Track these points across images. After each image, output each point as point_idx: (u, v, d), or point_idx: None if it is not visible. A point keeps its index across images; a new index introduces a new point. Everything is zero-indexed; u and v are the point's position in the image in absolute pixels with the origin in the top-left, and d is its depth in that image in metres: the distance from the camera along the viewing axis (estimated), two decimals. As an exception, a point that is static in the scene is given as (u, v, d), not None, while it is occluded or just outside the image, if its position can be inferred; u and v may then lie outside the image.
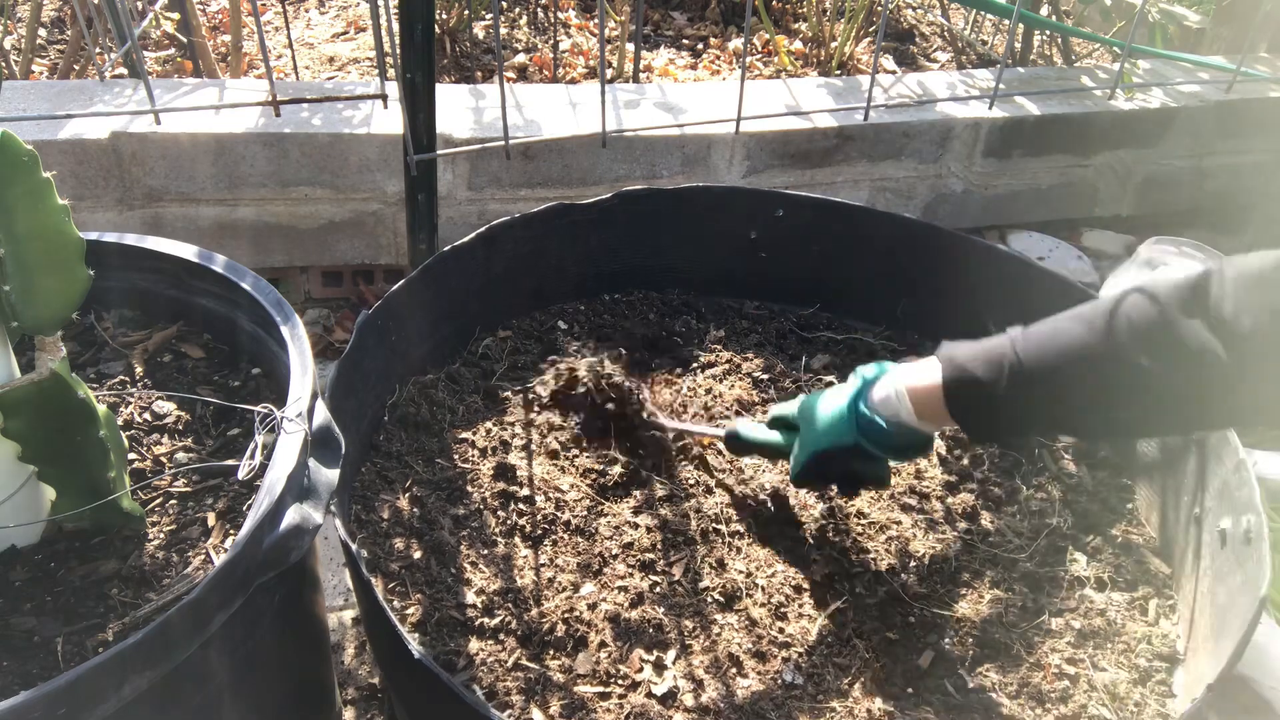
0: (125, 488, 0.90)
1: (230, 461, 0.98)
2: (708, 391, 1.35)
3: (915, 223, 1.55)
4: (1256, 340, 0.74)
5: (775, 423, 1.15)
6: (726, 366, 1.41)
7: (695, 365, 1.42)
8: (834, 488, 1.15)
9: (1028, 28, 2.76)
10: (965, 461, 1.28)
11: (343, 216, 1.97)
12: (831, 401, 1.03)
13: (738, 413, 1.32)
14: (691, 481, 1.21)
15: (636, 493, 1.18)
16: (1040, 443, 1.31)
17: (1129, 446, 1.29)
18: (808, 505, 1.18)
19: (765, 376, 1.39)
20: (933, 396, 0.93)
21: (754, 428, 1.17)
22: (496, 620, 1.03)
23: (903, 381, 0.96)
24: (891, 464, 1.05)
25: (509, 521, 1.14)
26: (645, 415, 1.24)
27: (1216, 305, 0.77)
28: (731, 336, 1.49)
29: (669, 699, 0.97)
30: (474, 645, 1.01)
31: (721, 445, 1.22)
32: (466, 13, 2.77)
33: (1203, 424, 0.99)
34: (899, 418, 0.96)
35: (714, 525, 1.15)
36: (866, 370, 1.03)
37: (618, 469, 1.20)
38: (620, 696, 0.97)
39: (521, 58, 2.81)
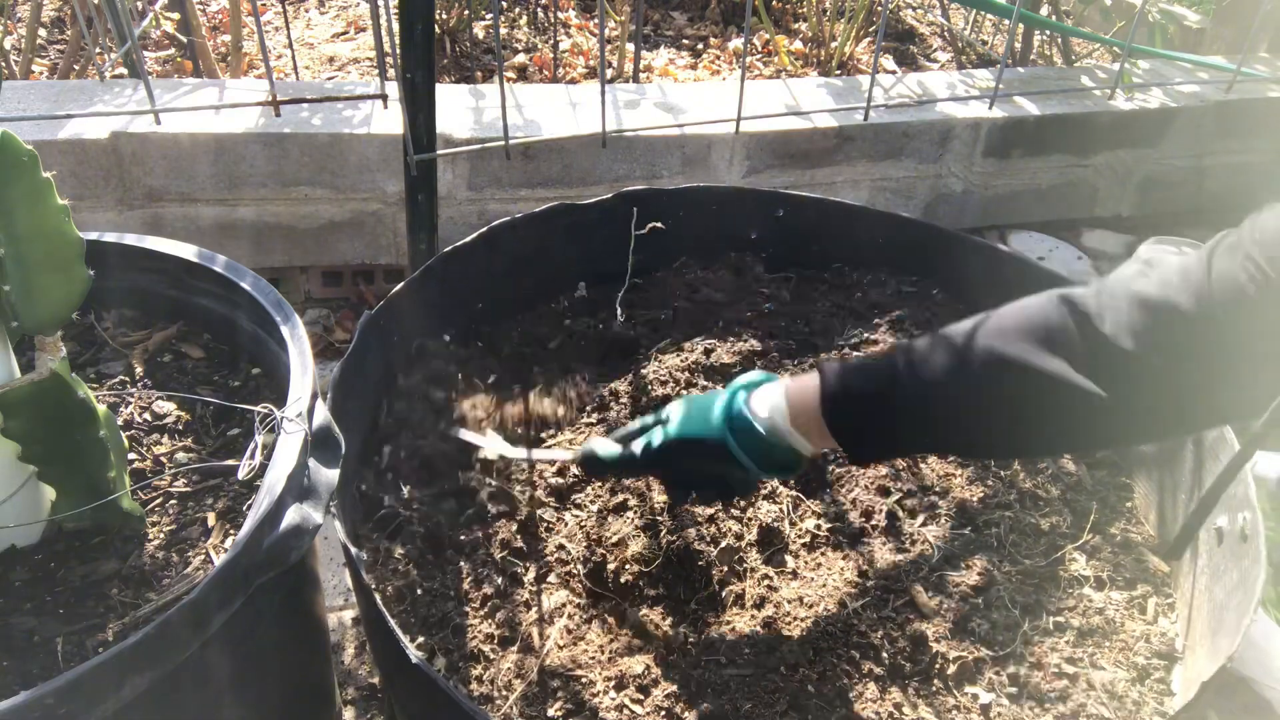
0: (125, 488, 0.90)
1: (230, 461, 0.98)
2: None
3: (915, 222, 1.55)
4: (1138, 359, 0.72)
5: (637, 434, 1.02)
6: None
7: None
8: (692, 495, 1.07)
9: (1028, 28, 2.76)
10: (963, 460, 1.28)
11: (343, 216, 1.97)
12: (708, 398, 0.96)
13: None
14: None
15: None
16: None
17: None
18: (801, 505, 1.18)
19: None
20: (810, 406, 0.88)
21: (609, 444, 1.03)
22: (497, 621, 1.03)
23: (782, 392, 0.91)
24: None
25: (509, 522, 1.14)
26: (485, 455, 1.15)
27: (1097, 320, 0.74)
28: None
29: (670, 699, 0.97)
30: (472, 648, 1.01)
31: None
32: (466, 13, 2.77)
33: (1071, 447, 0.96)
34: (774, 424, 0.90)
35: (716, 529, 1.15)
36: (752, 375, 0.97)
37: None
38: (620, 697, 0.97)
39: (521, 58, 2.81)
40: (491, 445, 1.17)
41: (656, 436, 0.96)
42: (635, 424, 1.03)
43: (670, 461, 0.96)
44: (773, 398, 0.91)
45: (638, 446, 0.98)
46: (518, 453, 1.16)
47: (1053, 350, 0.75)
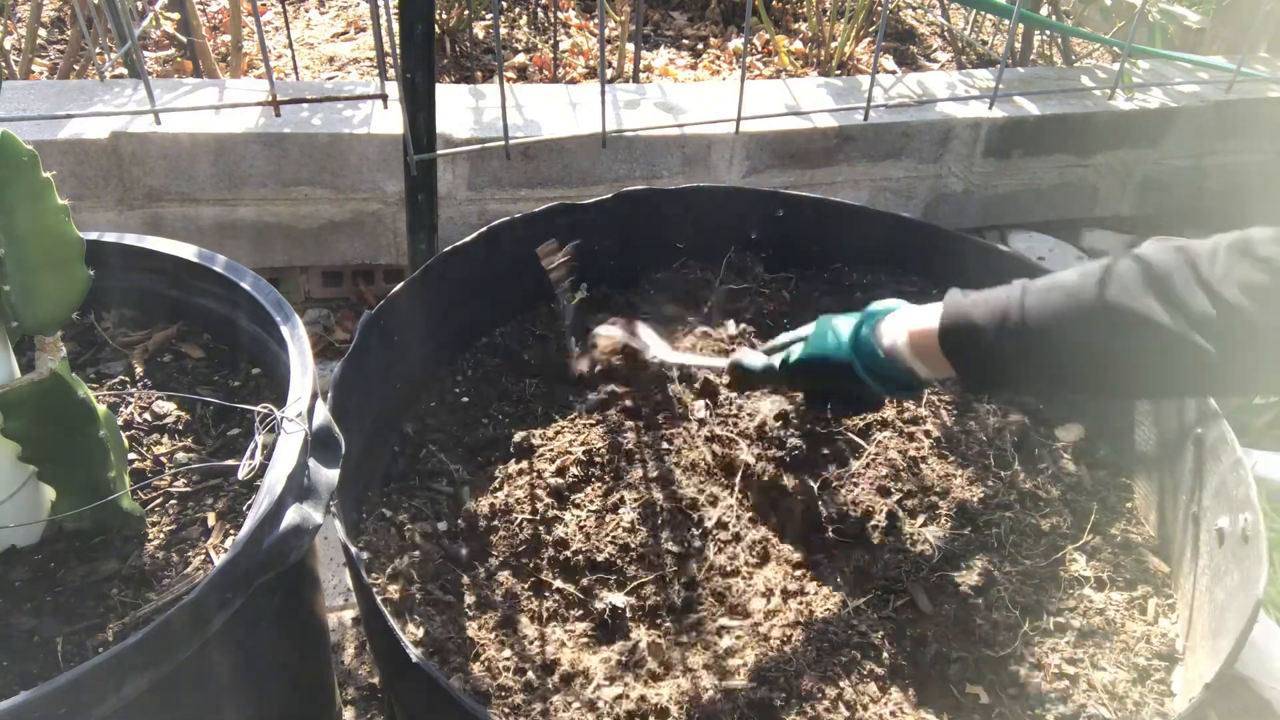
0: (125, 488, 0.90)
1: (230, 461, 0.98)
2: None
3: (915, 222, 1.55)
4: (1242, 313, 0.74)
5: (781, 349, 1.12)
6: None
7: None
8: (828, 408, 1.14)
9: (1028, 28, 2.76)
10: (964, 461, 1.28)
11: (343, 216, 1.97)
12: (842, 321, 1.04)
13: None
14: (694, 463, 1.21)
15: (636, 477, 1.18)
16: (1041, 441, 1.31)
17: (1127, 444, 1.29)
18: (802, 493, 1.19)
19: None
20: (930, 338, 0.93)
21: (757, 356, 1.14)
22: (497, 621, 1.03)
23: (905, 321, 0.97)
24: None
25: (508, 521, 1.14)
26: (648, 357, 1.27)
27: (1210, 274, 0.77)
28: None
29: (668, 698, 0.97)
30: (472, 648, 1.01)
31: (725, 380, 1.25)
32: (466, 13, 2.77)
33: (1184, 392, 1.00)
34: (895, 350, 0.97)
35: (712, 527, 1.15)
36: (886, 302, 1.03)
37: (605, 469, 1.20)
38: (620, 696, 0.97)
39: (521, 58, 2.81)
40: (654, 347, 1.26)
41: (795, 352, 1.06)
42: (785, 337, 1.13)
43: (805, 376, 1.06)
44: (896, 327, 0.97)
45: (777, 360, 1.09)
46: (676, 357, 1.27)
47: (1168, 304, 0.78)
